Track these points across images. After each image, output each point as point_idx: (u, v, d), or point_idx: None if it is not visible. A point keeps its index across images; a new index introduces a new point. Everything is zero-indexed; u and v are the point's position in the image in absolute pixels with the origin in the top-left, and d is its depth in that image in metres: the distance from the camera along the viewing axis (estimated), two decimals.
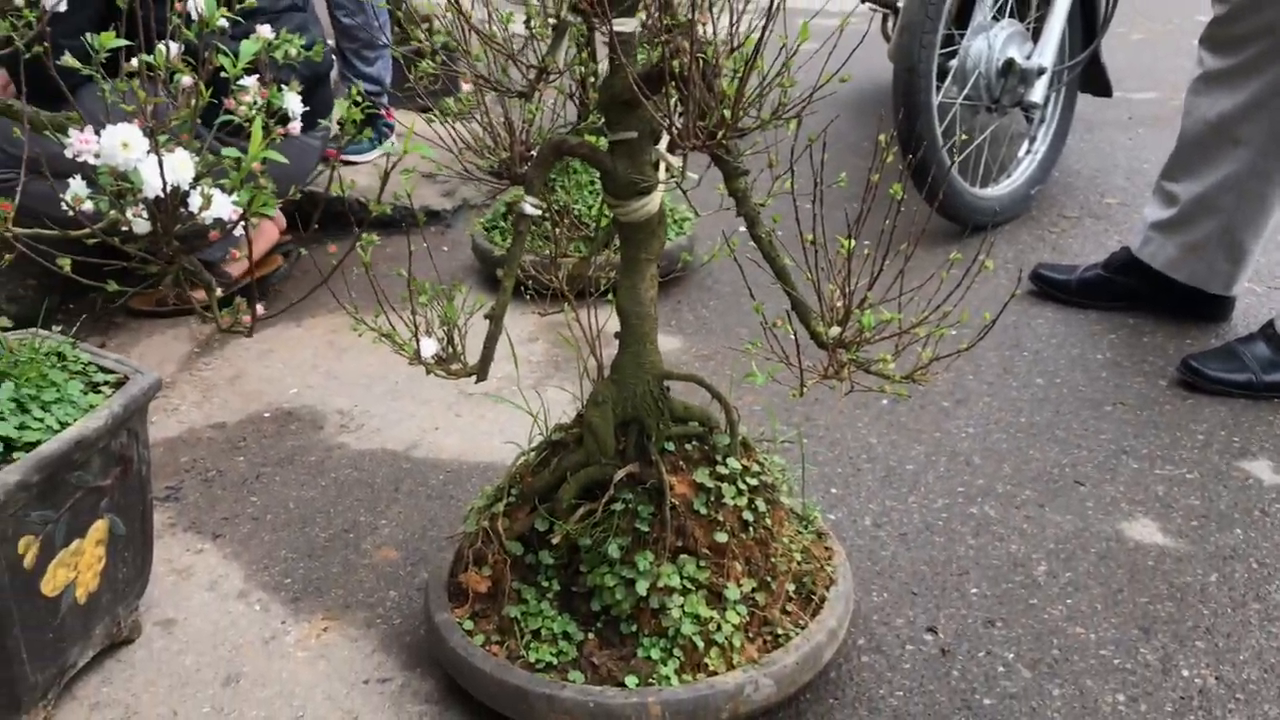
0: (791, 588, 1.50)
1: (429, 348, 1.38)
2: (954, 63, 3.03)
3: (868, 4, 3.81)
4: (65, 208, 0.94)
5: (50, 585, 1.45)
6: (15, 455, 1.39)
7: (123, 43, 0.96)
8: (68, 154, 0.91)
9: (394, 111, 3.58)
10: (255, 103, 0.97)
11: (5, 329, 1.58)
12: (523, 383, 2.32)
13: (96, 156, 0.90)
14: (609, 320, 1.50)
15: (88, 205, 0.92)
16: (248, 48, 0.95)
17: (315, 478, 2.07)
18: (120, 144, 0.88)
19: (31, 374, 1.49)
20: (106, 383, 1.57)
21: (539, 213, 1.38)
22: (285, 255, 2.88)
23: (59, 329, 1.65)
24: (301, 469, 2.10)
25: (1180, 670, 1.56)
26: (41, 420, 1.44)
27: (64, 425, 1.45)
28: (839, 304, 1.34)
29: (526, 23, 1.68)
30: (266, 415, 2.30)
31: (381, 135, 3.50)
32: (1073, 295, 2.68)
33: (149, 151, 0.88)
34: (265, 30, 0.97)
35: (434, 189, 3.40)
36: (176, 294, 2.61)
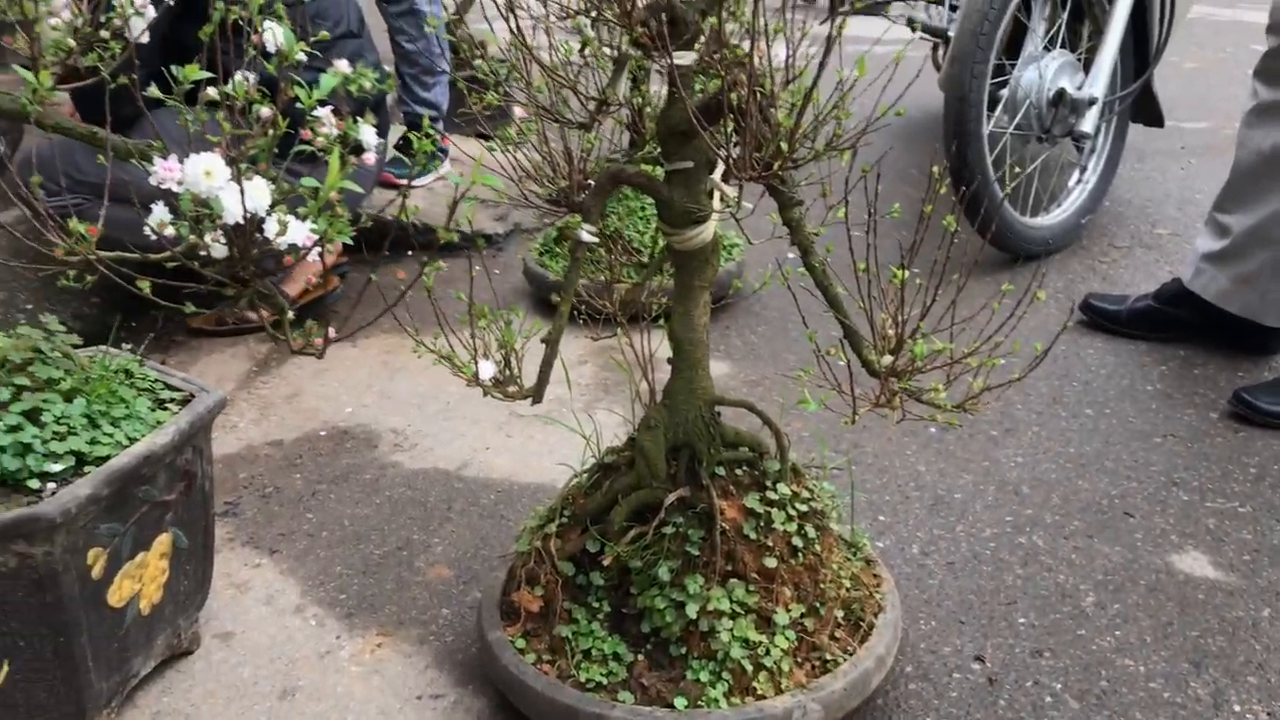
0: (840, 614, 1.51)
1: (487, 370, 1.41)
2: (1005, 92, 3.04)
3: (918, 32, 3.83)
4: (148, 232, 0.98)
5: (116, 596, 1.49)
6: (86, 469, 1.44)
7: (205, 75, 1.00)
8: (152, 181, 0.95)
9: (450, 136, 3.64)
10: (332, 134, 1.00)
11: (76, 346, 1.63)
12: (573, 404, 2.36)
13: (179, 184, 0.94)
14: (661, 345, 1.53)
15: (169, 230, 0.96)
16: (327, 82, 0.99)
17: (370, 495, 2.11)
18: (203, 172, 0.92)
19: (102, 390, 1.54)
20: (173, 400, 1.62)
21: (595, 240, 1.41)
22: (341, 276, 2.94)
23: (129, 348, 1.70)
24: (356, 487, 2.14)
25: (1231, 705, 1.55)
26: (111, 436, 1.49)
27: (132, 441, 1.50)
28: (891, 333, 1.36)
29: (581, 50, 1.72)
30: (323, 433, 2.34)
31: (436, 159, 3.56)
32: (1123, 326, 2.67)
33: (230, 179, 0.92)
34: (343, 65, 1.01)
35: (487, 213, 3.45)
36: (235, 313, 2.68)
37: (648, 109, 1.53)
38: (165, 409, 1.60)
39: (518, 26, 1.41)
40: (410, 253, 3.17)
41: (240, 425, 2.37)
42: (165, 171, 0.93)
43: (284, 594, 1.83)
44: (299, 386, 2.53)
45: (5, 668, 1.40)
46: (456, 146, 3.54)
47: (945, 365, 1.34)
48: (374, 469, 2.21)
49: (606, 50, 1.55)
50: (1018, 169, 3.12)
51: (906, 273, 1.26)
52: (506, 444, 2.28)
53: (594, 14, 1.45)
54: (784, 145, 1.17)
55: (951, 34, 3.28)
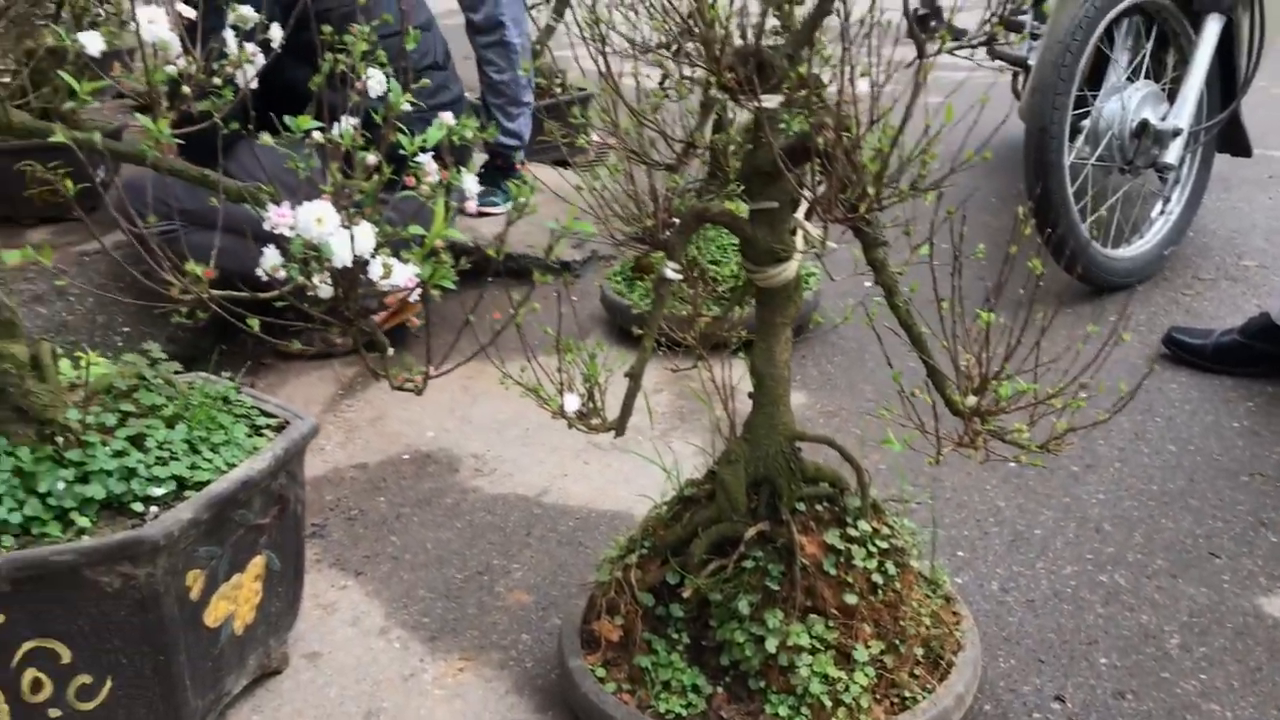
0: (920, 651, 1.51)
1: (572, 403, 1.45)
2: (1086, 123, 3.01)
3: (997, 61, 3.81)
4: (260, 273, 1.03)
5: (212, 617, 1.54)
6: (187, 493, 1.50)
7: (317, 124, 1.05)
8: (265, 226, 1.00)
9: (528, 164, 3.70)
10: (436, 183, 1.04)
11: (176, 373, 1.69)
12: (649, 433, 2.38)
13: (291, 229, 0.99)
14: (741, 378, 1.55)
15: (281, 273, 1.01)
16: (432, 134, 1.03)
17: (451, 519, 2.16)
18: (315, 219, 0.96)
19: (202, 417, 1.60)
20: (268, 426, 1.68)
21: (680, 277, 1.44)
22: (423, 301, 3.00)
23: (227, 375, 1.76)
24: (438, 510, 2.19)
25: None
26: (211, 461, 1.55)
27: (231, 466, 1.55)
28: (974, 373, 1.36)
29: (662, 82, 1.75)
30: (405, 457, 2.39)
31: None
32: (1208, 360, 2.63)
33: (340, 225, 0.96)
34: (448, 117, 1.05)
35: (564, 240, 3.49)
36: (322, 339, 2.75)
37: (731, 148, 1.56)
38: (261, 435, 1.65)
39: (608, 68, 1.45)
40: (491, 279, 3.22)
41: (327, 448, 2.43)
42: (278, 218, 0.97)
43: (369, 616, 1.87)
44: (383, 410, 2.59)
45: (108, 684, 1.45)
46: (534, 175, 3.61)
47: (1029, 405, 1.35)
48: (455, 493, 2.25)
49: (687, 84, 1.59)
50: (1098, 200, 3.08)
51: (993, 316, 1.26)
52: (584, 471, 2.31)
53: (684, 59, 1.48)
54: (872, 190, 1.19)
55: (1032, 63, 3.27)
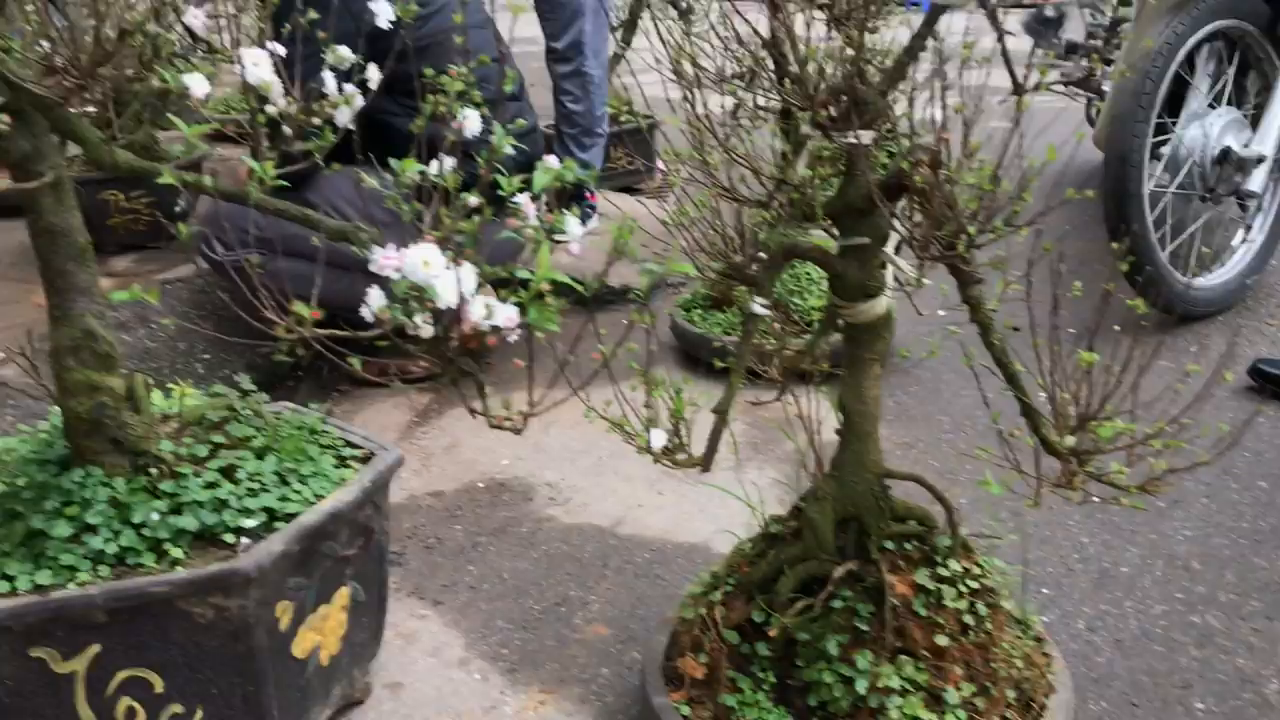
0: (1012, 694, 1.48)
1: (659, 439, 1.44)
2: (1166, 150, 2.96)
3: (1070, 87, 3.76)
4: (365, 314, 1.04)
5: (300, 648, 1.55)
6: (276, 524, 1.51)
7: (420, 167, 1.06)
8: (372, 268, 1.01)
9: (597, 193, 3.72)
10: (535, 223, 1.05)
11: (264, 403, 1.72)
12: (722, 464, 2.36)
13: (397, 271, 0.99)
14: (824, 412, 1.53)
15: (385, 314, 1.02)
16: (538, 179, 1.04)
17: (527, 549, 2.16)
18: (421, 262, 0.97)
19: (291, 448, 1.62)
20: (354, 457, 1.69)
21: (768, 313, 1.43)
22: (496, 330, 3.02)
23: (314, 406, 1.78)
24: (514, 540, 2.19)
25: None
26: (300, 493, 1.56)
27: (319, 497, 1.56)
28: (1071, 412, 1.34)
29: (734, 113, 1.74)
30: (480, 485, 2.40)
31: (586, 216, 3.64)
32: None
33: (446, 268, 0.97)
34: (552, 160, 1.05)
35: (633, 267, 3.50)
36: (398, 366, 2.77)
37: (818, 183, 1.55)
38: (348, 466, 1.67)
39: (699, 102, 1.46)
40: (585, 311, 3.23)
41: (403, 475, 2.44)
42: (385, 261, 0.98)
43: (449, 646, 1.88)
44: (457, 438, 2.61)
45: (199, 714, 1.47)
46: (608, 200, 3.63)
47: (1128, 446, 1.32)
48: (530, 522, 2.26)
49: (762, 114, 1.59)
50: (1178, 229, 3.03)
51: (1096, 356, 1.24)
52: (659, 502, 2.31)
53: (759, 89, 1.48)
54: (973, 230, 1.17)
55: (1106, 88, 3.23)
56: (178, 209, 3.32)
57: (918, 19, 1.33)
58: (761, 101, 1.63)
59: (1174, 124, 2.99)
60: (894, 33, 1.61)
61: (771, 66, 1.75)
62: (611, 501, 2.32)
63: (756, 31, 1.44)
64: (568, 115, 3.55)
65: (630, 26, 4.39)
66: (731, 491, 1.87)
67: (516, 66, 3.01)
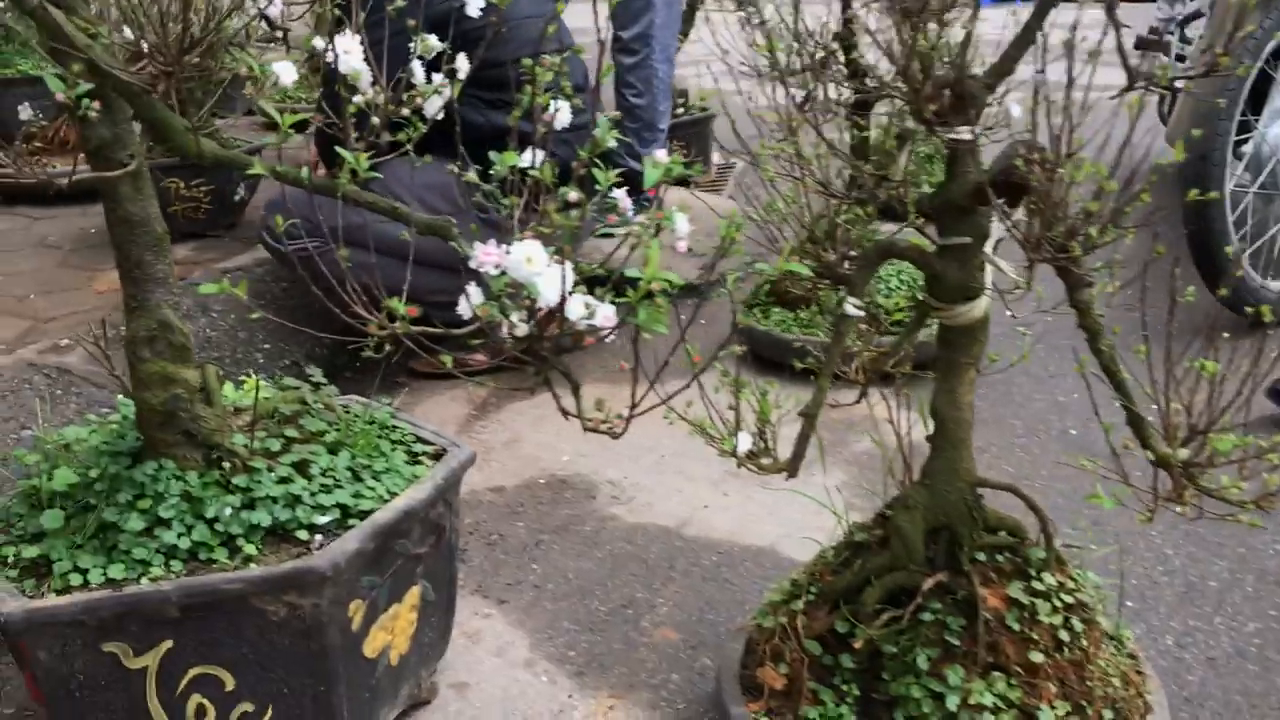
0: (1109, 715, 1.42)
1: (745, 443, 1.40)
2: (1247, 148, 2.87)
3: (1140, 83, 3.65)
4: (462, 312, 1.00)
5: (370, 647, 1.52)
6: (350, 521, 1.48)
7: (521, 161, 1.02)
8: (472, 264, 0.97)
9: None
10: (634, 219, 1.01)
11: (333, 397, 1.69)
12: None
13: (497, 268, 0.96)
14: (912, 417, 1.48)
15: (484, 311, 0.98)
16: (650, 175, 0.99)
17: (591, 549, 2.12)
18: (525, 259, 0.93)
19: (363, 444, 1.59)
20: (425, 453, 1.66)
21: (862, 314, 1.38)
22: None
23: (386, 401, 1.75)
24: (577, 539, 2.15)
25: None
26: (373, 490, 1.53)
27: (392, 494, 1.53)
28: (1180, 422, 1.28)
29: (802, 105, 1.69)
30: (542, 481, 2.37)
31: (643, 209, 3.59)
32: None
33: (549, 265, 0.93)
34: (661, 154, 1.01)
35: (693, 262, 3.45)
36: (457, 359, 2.74)
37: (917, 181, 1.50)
38: (419, 462, 1.64)
39: (789, 96, 1.41)
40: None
41: None
42: (485, 257, 0.94)
43: (514, 646, 1.84)
44: (517, 433, 2.57)
45: (270, 712, 1.44)
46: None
47: (1242, 460, 1.26)
48: (594, 521, 2.22)
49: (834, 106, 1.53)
50: (1259, 230, 2.93)
51: (1217, 365, 1.18)
52: (724, 503, 2.26)
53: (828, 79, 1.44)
54: (1092, 230, 1.12)
55: (1179, 86, 3.13)
56: (237, 198, 3.31)
57: (1026, 12, 1.28)
58: (833, 94, 1.58)
59: (1257, 121, 2.90)
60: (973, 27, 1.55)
61: (842, 58, 1.70)
62: (676, 501, 2.28)
63: (838, 24, 1.40)
64: (631, 110, 3.49)
65: (689, 17, 4.33)
66: (809, 495, 1.82)
67: (583, 61, 2.97)
